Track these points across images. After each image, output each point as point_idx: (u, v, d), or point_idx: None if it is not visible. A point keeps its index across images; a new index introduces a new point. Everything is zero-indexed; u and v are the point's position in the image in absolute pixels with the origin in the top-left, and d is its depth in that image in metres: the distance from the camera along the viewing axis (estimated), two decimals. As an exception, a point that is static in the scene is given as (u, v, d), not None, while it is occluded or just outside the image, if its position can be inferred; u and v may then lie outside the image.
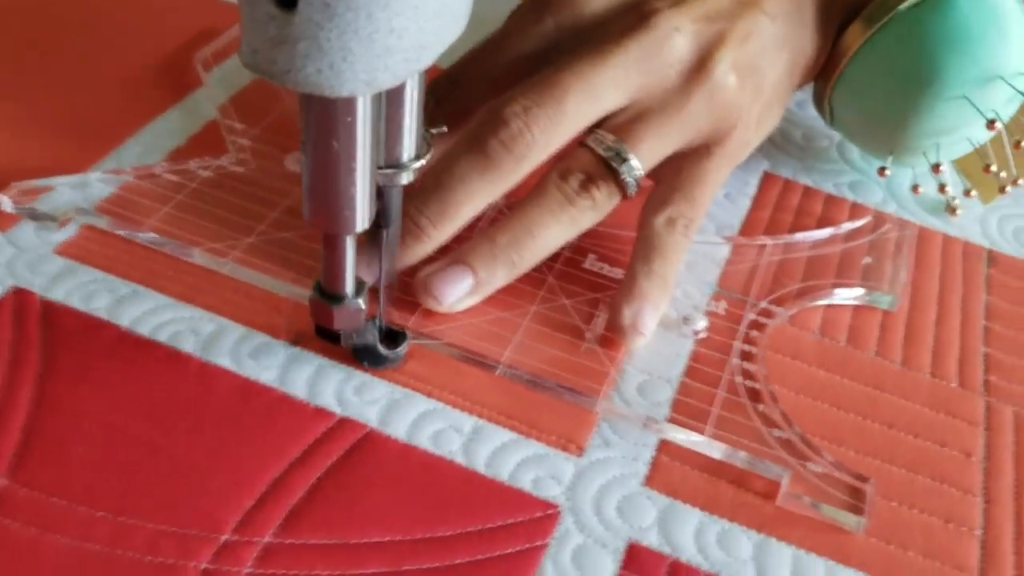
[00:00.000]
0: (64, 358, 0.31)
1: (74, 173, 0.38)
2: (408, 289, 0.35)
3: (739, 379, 0.34)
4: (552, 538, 0.29)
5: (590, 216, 0.35)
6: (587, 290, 0.37)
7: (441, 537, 0.28)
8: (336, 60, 0.22)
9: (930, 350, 0.36)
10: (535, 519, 0.29)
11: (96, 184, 0.38)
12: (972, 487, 0.32)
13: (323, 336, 0.32)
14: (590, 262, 0.38)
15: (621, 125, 0.35)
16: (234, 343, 0.33)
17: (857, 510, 0.30)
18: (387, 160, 0.28)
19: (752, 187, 0.43)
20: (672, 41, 0.35)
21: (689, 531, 0.29)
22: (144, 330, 0.33)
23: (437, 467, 0.30)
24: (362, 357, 0.32)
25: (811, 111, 0.49)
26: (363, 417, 0.31)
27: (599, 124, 0.35)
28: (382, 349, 0.32)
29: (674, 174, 0.37)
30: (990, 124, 0.39)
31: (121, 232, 0.36)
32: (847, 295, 0.38)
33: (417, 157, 0.29)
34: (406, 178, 0.29)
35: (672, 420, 0.32)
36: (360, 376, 0.32)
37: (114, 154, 0.40)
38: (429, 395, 0.32)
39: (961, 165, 0.45)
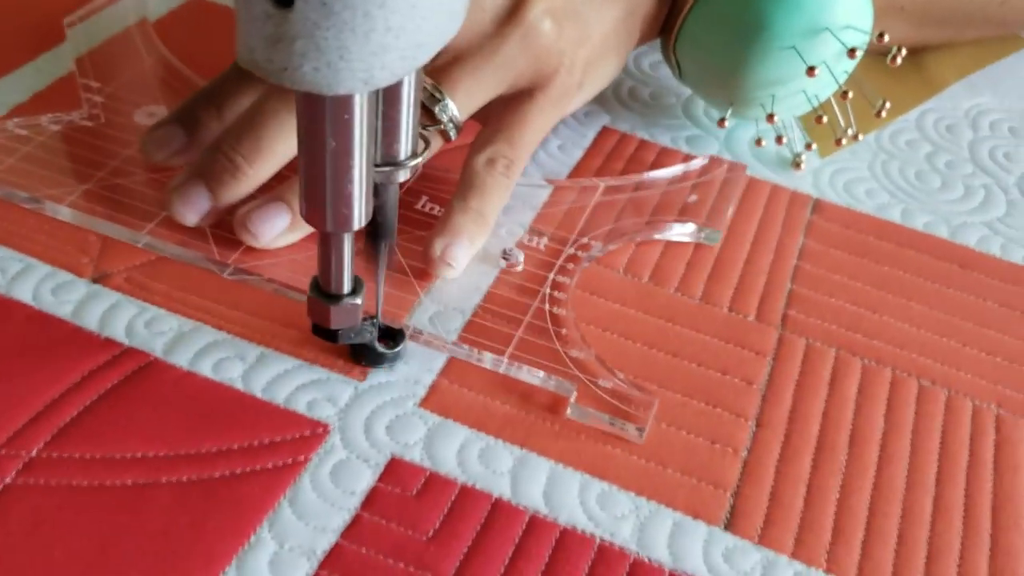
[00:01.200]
0: None
1: None
2: (229, 226, 0.36)
3: (546, 307, 0.35)
4: (315, 454, 0.30)
5: None
6: (415, 228, 0.38)
7: (203, 453, 0.29)
8: (333, 58, 0.22)
9: (733, 287, 0.37)
10: (302, 437, 0.30)
11: None
12: (746, 412, 0.33)
13: (320, 335, 0.31)
14: (422, 203, 0.39)
15: (438, 68, 0.36)
16: (38, 281, 0.34)
17: (639, 421, 0.31)
18: (384, 158, 0.28)
19: (588, 139, 0.44)
20: None
21: (453, 447, 0.30)
22: (-50, 269, 0.34)
23: (212, 391, 0.31)
24: (359, 356, 0.33)
25: (665, 71, 0.50)
26: (148, 347, 0.32)
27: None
28: (380, 347, 0.32)
29: (497, 117, 0.38)
30: (810, 71, 0.40)
31: None
32: (671, 232, 0.39)
33: (414, 155, 0.29)
34: (403, 176, 0.29)
35: (462, 340, 0.33)
36: (154, 311, 0.33)
37: None
38: (219, 327, 0.33)
39: (803, 120, 0.46)
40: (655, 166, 0.43)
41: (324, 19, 0.22)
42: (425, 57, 0.24)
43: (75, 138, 0.40)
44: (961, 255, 0.41)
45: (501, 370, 0.33)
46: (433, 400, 0.32)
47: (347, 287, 0.30)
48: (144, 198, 0.37)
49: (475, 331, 0.34)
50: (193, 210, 0.35)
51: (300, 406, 0.31)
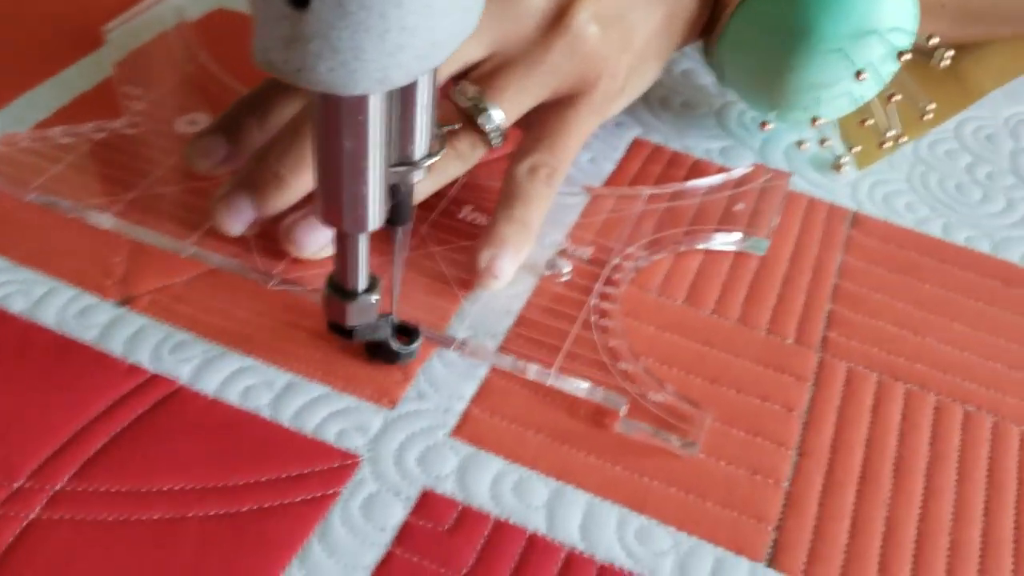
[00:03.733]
0: None
1: None
2: (273, 237, 0.35)
3: (593, 318, 0.34)
4: (345, 487, 0.29)
5: (456, 166, 0.35)
6: (457, 238, 0.37)
7: (231, 486, 0.28)
8: (348, 58, 0.22)
9: (771, 308, 0.36)
10: (331, 469, 0.29)
11: None
12: (787, 440, 0.32)
13: (336, 332, 0.31)
14: (465, 213, 0.39)
15: (483, 76, 0.36)
16: (62, 304, 0.33)
17: (692, 436, 0.31)
18: (399, 158, 0.28)
19: (620, 151, 0.43)
20: None
21: (487, 479, 0.29)
22: (-26, 293, 0.33)
23: (240, 421, 0.30)
24: (375, 353, 0.32)
25: (695, 79, 0.49)
26: (174, 374, 0.31)
27: (464, 76, 0.36)
28: (395, 345, 0.32)
29: (539, 124, 0.37)
30: (858, 75, 0.39)
31: (7, 190, 0.37)
32: (716, 241, 0.39)
33: (429, 155, 0.29)
34: (419, 176, 0.29)
35: (503, 350, 0.33)
36: (179, 335, 0.33)
37: (13, 104, 0.42)
38: (248, 353, 0.32)
39: (843, 124, 0.45)
40: (689, 178, 0.42)
41: (339, 19, 0.22)
42: (441, 57, 0.24)
43: (118, 146, 0.40)
44: (1005, 271, 0.39)
45: (548, 382, 0.32)
46: (465, 429, 0.31)
47: (363, 285, 0.30)
48: (188, 207, 0.37)
49: (519, 342, 0.33)
50: (238, 220, 0.35)
51: (329, 436, 0.30)
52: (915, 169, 0.44)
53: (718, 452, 0.31)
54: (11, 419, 0.29)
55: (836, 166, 0.43)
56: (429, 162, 0.29)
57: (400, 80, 0.23)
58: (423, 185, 0.35)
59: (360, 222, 0.27)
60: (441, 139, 0.30)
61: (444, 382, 0.32)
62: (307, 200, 0.35)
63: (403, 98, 0.27)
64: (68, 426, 0.29)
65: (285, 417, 0.31)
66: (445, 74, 0.35)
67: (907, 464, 0.31)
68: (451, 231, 0.38)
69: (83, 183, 0.38)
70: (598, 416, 0.32)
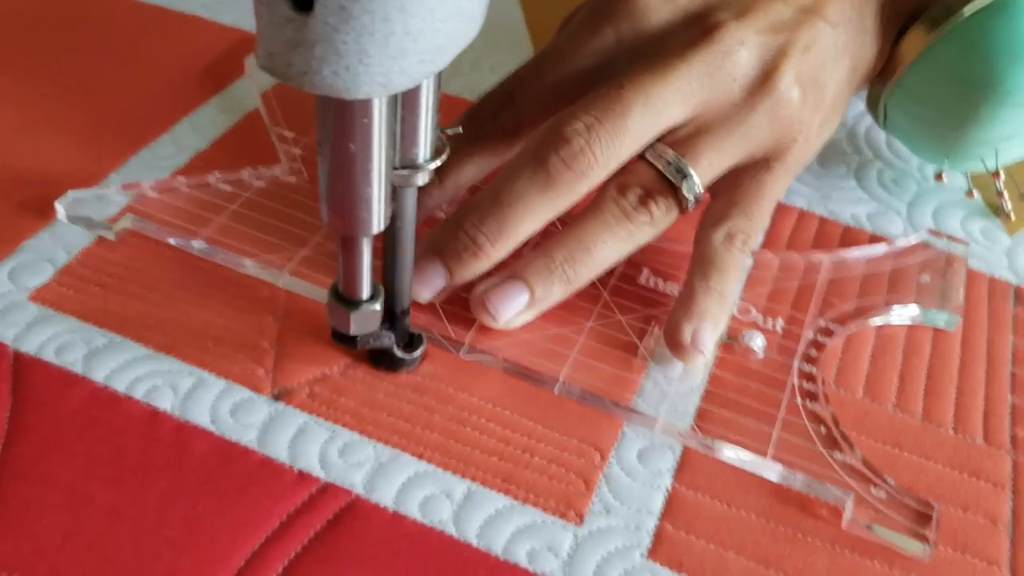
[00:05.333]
0: (33, 417, 0.30)
1: (118, 165, 0.39)
2: (465, 305, 0.34)
3: (799, 400, 0.33)
4: (547, 618, 0.27)
5: (647, 231, 0.34)
6: (642, 306, 0.36)
7: (427, 619, 0.26)
8: (352, 62, 0.22)
9: (953, 402, 0.34)
10: (530, 597, 0.27)
11: (150, 193, 0.38)
12: (998, 558, 0.30)
13: (340, 340, 0.31)
14: (644, 277, 0.37)
15: (682, 140, 0.34)
16: (214, 399, 0.31)
17: (922, 537, 0.29)
18: (403, 161, 0.28)
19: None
20: (737, 55, 0.34)
21: (694, 609, 0.27)
22: (119, 385, 0.31)
23: (426, 539, 0.28)
24: (378, 361, 0.32)
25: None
26: (348, 482, 0.29)
27: (659, 138, 0.34)
28: (399, 352, 0.32)
29: (733, 188, 0.36)
30: None
31: (172, 241, 0.36)
32: (903, 313, 0.37)
33: (433, 158, 0.29)
34: (422, 179, 0.29)
35: (725, 439, 0.32)
36: (346, 435, 0.30)
37: (156, 144, 0.41)
38: (420, 456, 0.30)
39: (1014, 172, 0.43)
40: (844, 245, 0.40)
41: (343, 23, 0.22)
42: (444, 61, 0.24)
43: (281, 195, 0.39)
44: None
45: (762, 473, 0.31)
46: (661, 551, 0.29)
47: (366, 293, 0.29)
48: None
49: (712, 422, 0.32)
50: (428, 288, 0.34)
51: (521, 558, 0.28)
52: (1068, 236, 0.42)
53: (926, 572, 0.29)
54: (179, 542, 0.27)
55: (1005, 215, 0.42)
56: (432, 165, 0.29)
57: (404, 84, 0.23)
58: (614, 251, 0.34)
59: (364, 225, 0.27)
60: (444, 142, 0.29)
61: (629, 493, 0.30)
62: (499, 267, 0.34)
63: (406, 102, 0.27)
64: (243, 548, 0.27)
65: (471, 534, 0.28)
66: (650, 136, 0.34)
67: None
68: (632, 297, 0.36)
69: (250, 235, 0.36)
70: (804, 516, 0.30)
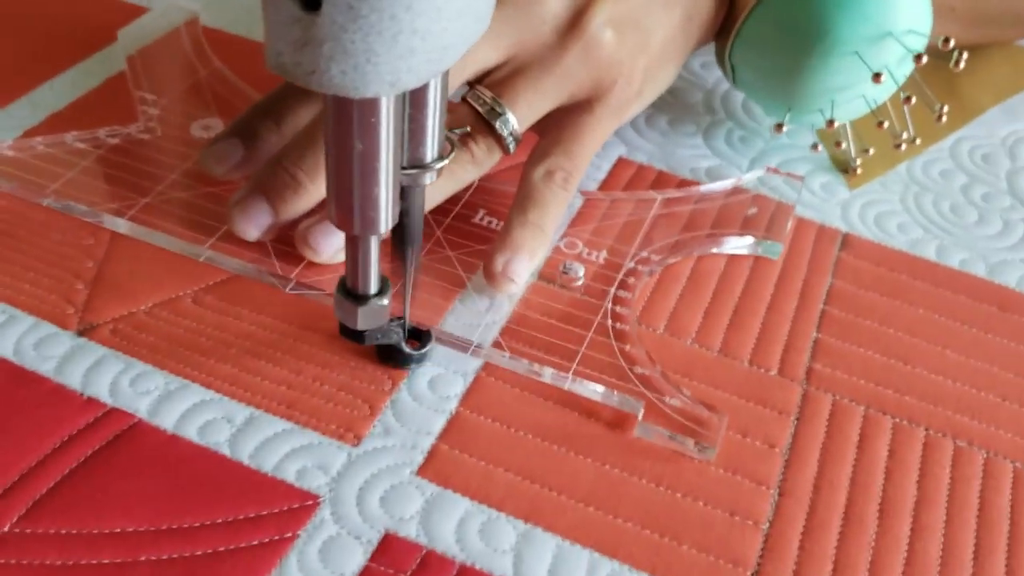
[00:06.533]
0: None
1: None
2: (290, 241, 0.35)
3: (609, 322, 0.34)
4: (304, 530, 0.28)
5: (470, 171, 0.35)
6: (474, 243, 0.37)
7: (185, 528, 0.27)
8: (360, 61, 0.22)
9: (755, 336, 0.35)
10: (290, 510, 0.28)
11: (5, 151, 0.39)
12: (768, 479, 0.30)
13: (347, 335, 0.31)
14: (479, 217, 0.39)
15: (498, 81, 0.36)
16: (21, 334, 0.32)
17: (710, 440, 0.30)
18: (410, 161, 0.28)
19: (603, 171, 0.42)
20: None
21: (452, 521, 0.28)
22: (-71, 321, 0.32)
23: (197, 458, 0.29)
24: (386, 357, 0.32)
25: (684, 97, 0.48)
26: (132, 407, 0.30)
27: (478, 81, 0.36)
28: (406, 348, 0.32)
29: (555, 129, 0.37)
30: (875, 77, 0.39)
31: (23, 195, 0.37)
32: (728, 246, 0.38)
33: (440, 157, 0.29)
34: (430, 178, 0.29)
35: (529, 357, 0.33)
36: (140, 367, 0.32)
37: (27, 98, 0.43)
38: (208, 386, 0.31)
39: (857, 126, 0.44)
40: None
41: (351, 22, 0.22)
42: (451, 60, 0.24)
43: (133, 152, 0.40)
44: (1001, 296, 0.38)
45: (565, 386, 0.32)
46: (431, 469, 0.30)
47: (374, 288, 0.29)
48: (204, 212, 0.37)
49: (523, 343, 0.33)
50: (254, 225, 0.35)
51: (289, 475, 0.29)
52: (909, 189, 0.43)
53: (695, 492, 0.30)
54: (-40, 456, 0.28)
55: (851, 170, 0.43)
56: (440, 164, 0.29)
57: (411, 83, 0.23)
58: (438, 189, 0.35)
59: (372, 224, 0.27)
60: (452, 142, 0.30)
61: (412, 416, 0.31)
62: (322, 205, 0.35)
63: (414, 101, 0.27)
64: (19, 464, 0.28)
65: (244, 454, 0.29)
66: (461, 78, 0.35)
67: (893, 504, 0.30)
68: (466, 235, 0.38)
69: (98, 188, 0.38)
70: (579, 437, 0.30)
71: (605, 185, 0.41)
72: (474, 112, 0.35)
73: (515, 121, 0.35)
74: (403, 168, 0.28)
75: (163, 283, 0.34)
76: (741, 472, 0.31)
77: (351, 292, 0.30)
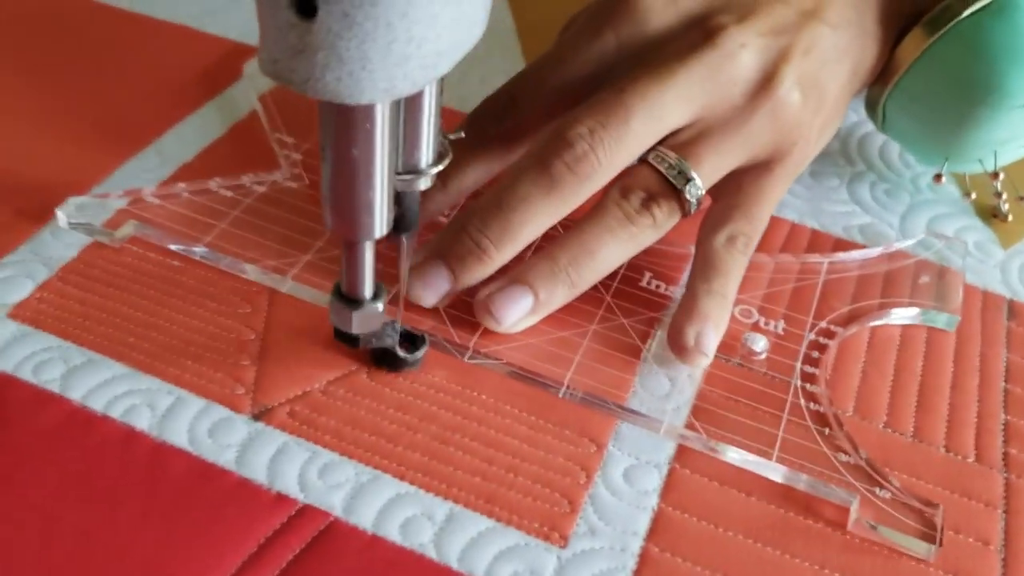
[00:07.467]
0: (4, 435, 0.29)
1: (118, 166, 0.40)
2: (469, 309, 0.34)
3: (802, 402, 0.33)
4: (528, 645, 0.26)
5: (650, 235, 0.34)
6: (644, 308, 0.36)
7: (406, 646, 0.26)
8: (355, 68, 0.22)
9: (945, 419, 0.34)
10: (510, 622, 0.27)
11: (151, 199, 0.38)
12: (990, 580, 0.29)
13: (342, 340, 0.31)
14: (646, 280, 0.37)
15: (684, 143, 0.34)
16: (192, 418, 0.31)
17: (929, 538, 0.29)
18: (405, 166, 0.28)
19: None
20: (738, 59, 0.34)
21: (678, 635, 0.27)
22: (97, 405, 0.31)
23: (405, 562, 0.28)
24: (381, 360, 0.32)
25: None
26: (326, 504, 0.29)
27: (661, 141, 0.34)
28: (401, 352, 0.32)
29: (734, 191, 0.36)
30: None
31: (175, 247, 0.36)
32: (902, 315, 0.37)
33: (435, 163, 0.29)
34: (424, 184, 0.29)
35: (729, 441, 0.31)
36: (326, 455, 0.30)
37: (154, 146, 0.41)
38: (401, 477, 0.30)
39: (1011, 173, 0.43)
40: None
41: (346, 30, 0.22)
42: (446, 66, 0.24)
43: (283, 201, 0.38)
44: None
45: (770, 475, 0.31)
46: (647, 573, 0.28)
47: (369, 293, 0.30)
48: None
49: (715, 423, 0.32)
50: (433, 292, 0.34)
51: (502, 581, 0.28)
52: (1061, 248, 0.42)
53: (918, 597, 0.29)
54: (154, 566, 0.27)
55: (1002, 215, 0.42)
56: (434, 170, 0.29)
57: (406, 90, 0.24)
58: (617, 254, 0.34)
59: (367, 229, 0.27)
60: (446, 147, 0.29)
61: (615, 514, 0.29)
62: (502, 271, 0.34)
63: (409, 107, 0.27)
64: (218, 571, 0.27)
65: (452, 557, 0.28)
66: (650, 141, 0.34)
67: (1118, 608, 0.29)
68: (635, 300, 0.36)
69: (253, 242, 0.36)
70: (790, 536, 0.29)
71: (762, 245, 0.40)
72: (657, 174, 0.34)
73: (700, 185, 0.34)
74: (398, 173, 0.28)
75: (333, 356, 0.33)
76: (962, 574, 0.29)
77: (346, 296, 0.30)
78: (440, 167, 0.29)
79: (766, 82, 0.34)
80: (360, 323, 0.30)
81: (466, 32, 0.24)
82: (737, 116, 0.34)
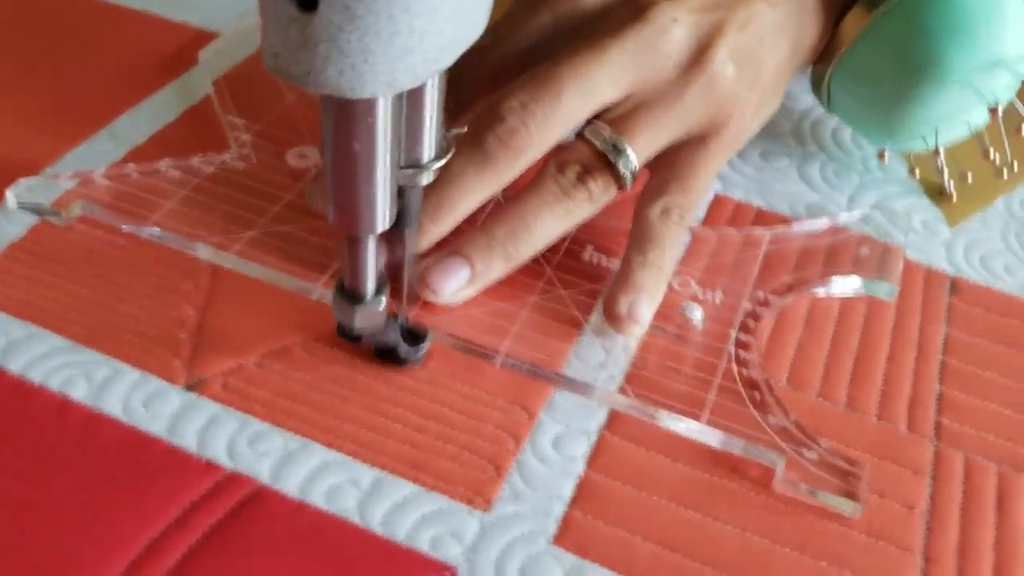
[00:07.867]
0: (-55, 408, 0.30)
1: (71, 148, 0.40)
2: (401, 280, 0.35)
3: (735, 367, 0.33)
4: (445, 605, 0.27)
5: (587, 208, 0.35)
6: (586, 281, 0.37)
7: (323, 605, 0.26)
8: (357, 62, 0.22)
9: (879, 390, 0.34)
10: (429, 583, 0.27)
11: (100, 180, 0.38)
12: (912, 544, 0.29)
13: (344, 336, 0.31)
14: (588, 254, 0.38)
15: (618, 118, 0.35)
16: (128, 390, 0.31)
17: (852, 496, 0.30)
18: (407, 160, 0.28)
19: (701, 210, 0.41)
20: (669, 33, 0.35)
21: (596, 595, 0.27)
22: (35, 377, 0.31)
23: (329, 527, 0.28)
24: (383, 356, 0.32)
25: (772, 128, 0.46)
26: (254, 471, 0.29)
27: (596, 116, 0.35)
28: (404, 348, 0.32)
29: (669, 164, 0.36)
30: (992, 111, 0.38)
31: (125, 227, 0.36)
32: (843, 285, 0.37)
33: (437, 157, 0.29)
34: (426, 178, 0.29)
35: (659, 405, 0.32)
36: (257, 425, 0.30)
37: (108, 129, 0.42)
38: (330, 446, 0.30)
39: (956, 153, 0.43)
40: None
41: (348, 23, 0.22)
42: (448, 60, 0.24)
43: (230, 180, 0.39)
44: (1116, 342, 0.37)
45: (698, 437, 0.31)
46: (568, 537, 0.28)
47: (372, 289, 0.29)
48: (313, 247, 0.36)
49: (649, 389, 0.33)
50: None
51: (423, 544, 0.28)
52: (1009, 227, 0.42)
53: (840, 560, 0.29)
54: (80, 532, 0.27)
55: (947, 195, 0.42)
56: (437, 164, 0.29)
57: (408, 83, 0.24)
58: (554, 227, 0.34)
59: (370, 223, 0.27)
60: (448, 141, 0.29)
61: (540, 480, 0.30)
62: (440, 244, 0.34)
63: (411, 101, 0.27)
64: (141, 537, 0.27)
65: (375, 521, 0.28)
66: (583, 116, 0.34)
67: (1041, 571, 0.29)
68: (576, 272, 0.37)
69: (200, 219, 0.37)
70: (714, 501, 0.29)
71: (707, 222, 0.40)
72: (591, 149, 0.34)
73: (635, 158, 0.34)
74: (400, 168, 0.28)
75: (270, 331, 0.33)
76: (885, 537, 0.29)
77: (348, 292, 0.30)
78: (442, 162, 0.29)
79: (699, 55, 0.35)
80: (363, 319, 0.30)
81: (469, 25, 0.24)
82: (671, 90, 0.35)
